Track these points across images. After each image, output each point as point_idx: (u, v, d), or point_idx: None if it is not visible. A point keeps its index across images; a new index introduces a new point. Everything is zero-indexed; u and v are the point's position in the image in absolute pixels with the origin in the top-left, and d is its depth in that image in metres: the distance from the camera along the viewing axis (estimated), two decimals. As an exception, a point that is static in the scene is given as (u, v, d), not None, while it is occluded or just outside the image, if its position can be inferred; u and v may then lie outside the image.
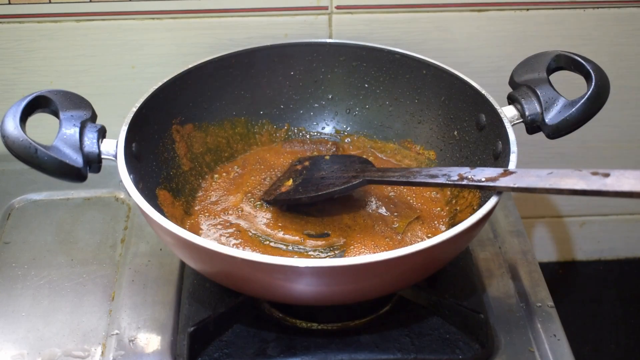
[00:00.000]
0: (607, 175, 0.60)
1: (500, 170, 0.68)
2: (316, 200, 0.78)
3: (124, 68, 0.99)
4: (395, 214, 0.82)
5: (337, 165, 0.82)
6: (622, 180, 0.59)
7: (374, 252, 0.74)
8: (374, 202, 0.84)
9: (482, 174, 0.68)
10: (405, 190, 0.86)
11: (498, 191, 0.68)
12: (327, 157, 0.85)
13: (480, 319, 0.72)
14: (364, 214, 0.82)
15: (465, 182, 0.69)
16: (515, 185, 0.65)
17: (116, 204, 0.94)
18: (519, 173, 0.66)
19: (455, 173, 0.70)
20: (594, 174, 0.61)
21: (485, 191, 0.73)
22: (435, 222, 0.81)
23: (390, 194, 0.85)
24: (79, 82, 0.98)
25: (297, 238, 0.79)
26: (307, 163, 0.86)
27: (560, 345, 0.74)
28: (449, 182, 0.70)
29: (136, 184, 0.70)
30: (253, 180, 0.88)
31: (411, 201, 0.84)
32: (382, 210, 0.82)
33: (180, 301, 0.78)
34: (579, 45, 0.98)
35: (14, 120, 0.70)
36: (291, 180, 0.83)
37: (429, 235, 0.79)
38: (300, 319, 0.74)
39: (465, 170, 0.70)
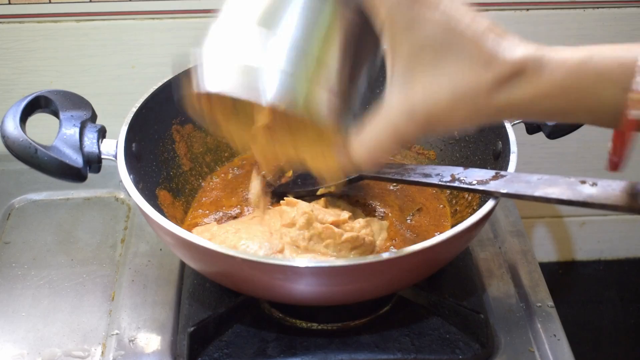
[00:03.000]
0: (594, 184, 0.61)
1: (492, 172, 0.68)
2: (313, 194, 0.79)
3: (124, 68, 0.99)
4: (394, 207, 0.82)
5: None
6: (608, 192, 0.59)
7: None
8: (376, 195, 0.84)
9: (473, 176, 0.69)
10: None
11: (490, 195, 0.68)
12: None
13: (480, 319, 0.72)
14: (364, 209, 0.82)
15: (456, 184, 0.69)
16: (504, 192, 0.66)
17: (116, 204, 0.94)
18: (509, 177, 0.67)
19: (448, 173, 0.71)
20: (582, 182, 0.62)
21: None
22: (442, 220, 0.82)
23: (392, 187, 0.86)
24: (79, 82, 0.98)
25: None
26: None
27: (560, 345, 0.74)
28: (441, 183, 0.71)
29: (136, 184, 0.71)
30: (253, 180, 0.88)
31: (414, 195, 0.85)
32: (377, 205, 0.83)
33: (180, 301, 0.78)
34: (579, 45, 0.98)
35: (14, 120, 0.70)
36: (291, 172, 0.84)
37: (433, 225, 0.79)
38: (300, 319, 0.74)
39: (458, 171, 0.70)
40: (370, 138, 0.53)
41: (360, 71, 0.55)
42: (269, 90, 0.50)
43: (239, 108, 0.62)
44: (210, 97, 0.58)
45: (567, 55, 0.49)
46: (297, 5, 0.51)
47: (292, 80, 0.50)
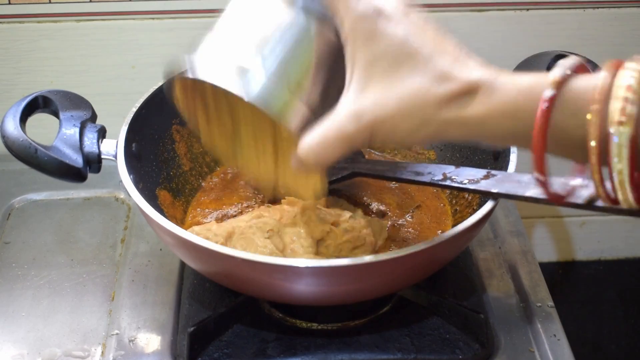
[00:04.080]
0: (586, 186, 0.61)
1: (483, 172, 0.68)
2: None
3: (124, 68, 0.99)
4: (392, 204, 0.83)
5: None
6: None
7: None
8: (374, 193, 0.84)
9: (464, 175, 0.68)
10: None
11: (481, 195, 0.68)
12: None
13: (480, 319, 0.72)
14: (364, 208, 0.82)
15: (448, 182, 0.69)
16: (495, 191, 0.65)
17: (116, 204, 0.94)
18: (500, 177, 0.67)
19: (439, 172, 0.70)
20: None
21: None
22: (443, 218, 0.82)
23: (392, 185, 0.86)
24: (79, 82, 0.98)
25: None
26: None
27: (560, 345, 0.74)
28: (432, 182, 0.70)
29: (136, 184, 0.71)
30: (253, 180, 0.88)
31: (413, 194, 0.85)
32: (376, 204, 0.83)
33: (180, 301, 0.78)
34: (579, 45, 0.98)
35: (14, 120, 0.70)
36: None
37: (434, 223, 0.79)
38: (300, 319, 0.74)
39: (449, 170, 0.70)
40: (317, 137, 0.54)
41: (335, 87, 0.58)
42: (252, 90, 0.54)
43: (213, 108, 0.66)
44: (194, 95, 0.64)
45: (521, 78, 0.48)
46: (285, 29, 0.56)
47: (275, 87, 0.55)
